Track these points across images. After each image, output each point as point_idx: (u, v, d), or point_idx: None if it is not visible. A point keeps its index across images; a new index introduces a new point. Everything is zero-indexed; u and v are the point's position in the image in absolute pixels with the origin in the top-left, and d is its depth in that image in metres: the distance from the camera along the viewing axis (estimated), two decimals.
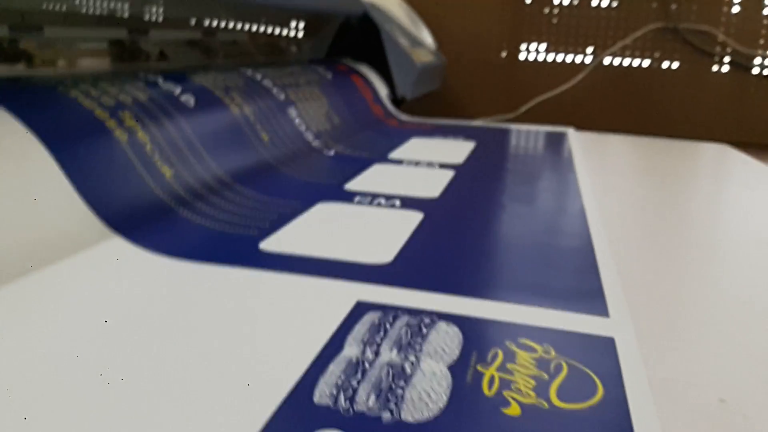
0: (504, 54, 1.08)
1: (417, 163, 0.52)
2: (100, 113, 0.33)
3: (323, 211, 0.37)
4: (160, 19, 0.56)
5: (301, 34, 0.85)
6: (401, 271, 0.28)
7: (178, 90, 0.41)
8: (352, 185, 0.43)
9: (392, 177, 0.46)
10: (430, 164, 0.52)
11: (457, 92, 1.13)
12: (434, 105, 1.10)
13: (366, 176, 0.46)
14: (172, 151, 0.36)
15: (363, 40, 0.87)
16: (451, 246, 0.32)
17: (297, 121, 0.53)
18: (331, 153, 0.53)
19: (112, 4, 0.48)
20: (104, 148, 0.31)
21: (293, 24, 0.81)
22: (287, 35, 0.81)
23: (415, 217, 0.36)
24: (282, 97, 0.53)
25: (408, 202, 0.40)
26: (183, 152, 0.37)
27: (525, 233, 0.35)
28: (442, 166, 0.51)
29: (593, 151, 0.67)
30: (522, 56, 1.07)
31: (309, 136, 0.53)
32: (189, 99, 0.41)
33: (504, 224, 0.36)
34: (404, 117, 0.81)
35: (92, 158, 0.30)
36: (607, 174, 0.56)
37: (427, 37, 1.06)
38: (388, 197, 0.41)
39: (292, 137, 0.51)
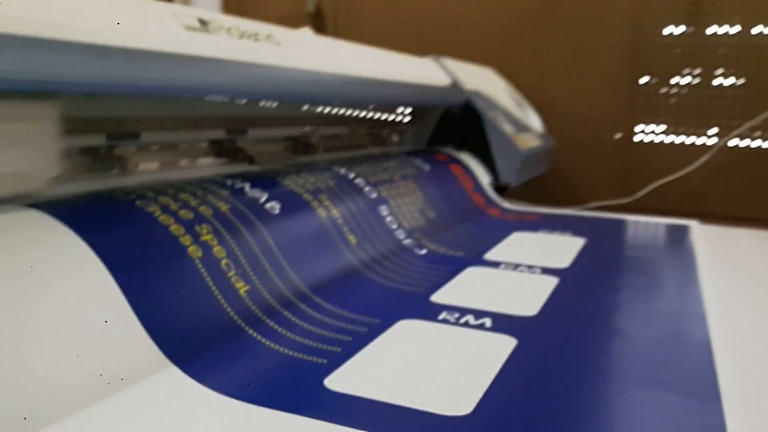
0: (618, 135, 1.02)
1: (516, 267, 0.48)
2: (176, 229, 0.32)
3: (402, 333, 0.33)
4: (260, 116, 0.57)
5: (405, 119, 0.84)
6: (480, 429, 0.24)
7: (264, 197, 0.40)
8: (439, 296, 0.40)
9: (486, 286, 0.43)
10: (531, 268, 0.47)
11: (568, 175, 1.07)
12: (542, 188, 1.05)
13: (457, 284, 0.43)
14: (250, 264, 0.34)
15: (466, 127, 0.85)
16: (547, 389, 0.27)
17: (388, 219, 0.51)
18: (423, 252, 0.50)
19: (210, 107, 0.48)
20: (174, 267, 0.30)
21: (396, 112, 0.80)
22: (390, 123, 0.81)
23: (506, 345, 0.32)
24: (374, 195, 0.51)
25: (500, 322, 0.35)
26: (261, 264, 0.35)
27: (638, 364, 0.29)
28: (546, 270, 0.47)
29: (719, 249, 0.59)
30: (638, 138, 1.00)
31: (400, 235, 0.51)
32: (274, 206, 0.40)
33: (615, 355, 0.31)
34: (507, 204, 0.77)
35: (159, 280, 0.29)
36: (735, 277, 0.49)
37: (534, 121, 1.03)
38: (479, 314, 0.37)
39: (382, 237, 0.48)
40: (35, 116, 0.29)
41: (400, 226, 0.52)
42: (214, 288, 0.31)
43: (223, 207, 0.36)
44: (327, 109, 0.65)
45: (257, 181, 0.42)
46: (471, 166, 0.79)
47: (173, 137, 0.47)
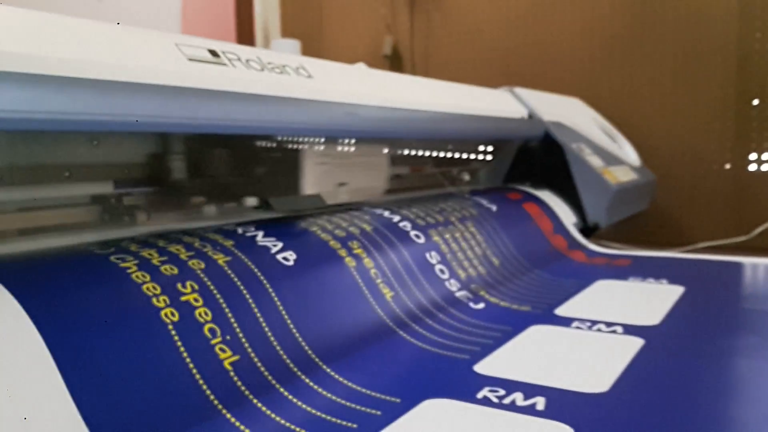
0: (728, 166, 0.90)
1: (592, 325, 0.39)
2: (150, 287, 0.27)
3: (425, 419, 0.26)
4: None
5: (477, 156, 0.77)
6: None
7: (276, 247, 0.35)
8: (485, 365, 0.32)
9: (547, 351, 0.34)
10: (610, 326, 0.39)
11: (671, 213, 0.96)
12: (642, 229, 0.94)
13: (511, 348, 0.35)
14: (242, 328, 0.29)
15: (546, 162, 0.76)
16: None
17: (438, 267, 0.44)
18: (479, 306, 0.42)
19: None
20: (140, 334, 0.25)
21: (466, 149, 0.74)
22: (459, 161, 0.74)
23: None
24: (421, 240, 0.45)
25: (557, 404, 0.27)
26: (258, 327, 0.29)
27: None
28: (628, 329, 0.38)
29: None
30: (752, 167, 0.88)
31: (453, 286, 0.44)
32: (288, 256, 0.34)
33: None
34: (595, 247, 0.68)
35: (116, 353, 0.24)
36: None
37: (629, 153, 0.93)
38: (530, 390, 0.29)
39: (428, 289, 0.41)
40: None
41: (453, 275, 0.45)
42: (188, 359, 0.26)
43: (221, 260, 0.31)
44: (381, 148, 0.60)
45: (272, 227, 0.37)
46: (552, 204, 0.70)
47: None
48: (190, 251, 0.31)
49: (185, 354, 0.26)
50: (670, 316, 0.41)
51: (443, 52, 1.18)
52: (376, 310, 0.36)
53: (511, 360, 0.33)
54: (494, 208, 0.58)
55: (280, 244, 0.35)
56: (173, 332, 0.26)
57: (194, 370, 0.25)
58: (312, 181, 0.47)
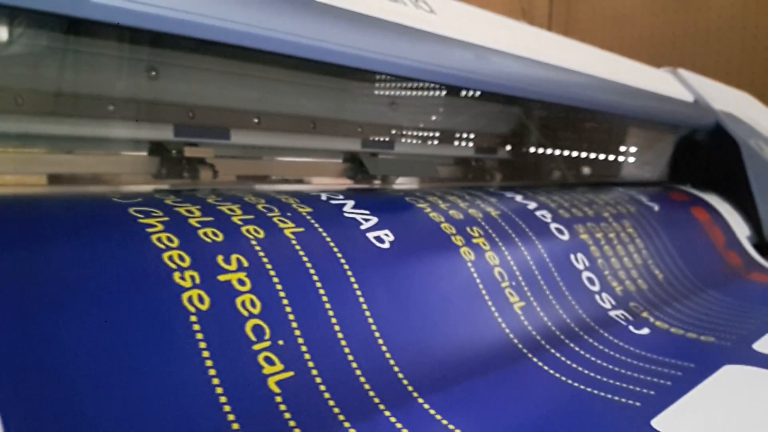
0: None
1: None
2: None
3: None
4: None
5: (626, 148, 0.64)
6: None
7: (369, 222, 0.25)
8: (668, 421, 0.21)
9: (757, 403, 0.23)
10: None
11: None
12: None
13: (702, 394, 0.23)
14: (310, 342, 0.20)
15: (714, 160, 0.62)
16: None
17: (587, 275, 0.33)
18: (643, 332, 0.31)
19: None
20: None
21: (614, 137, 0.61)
22: (605, 148, 0.62)
23: None
24: (565, 236, 0.34)
25: None
26: (325, 341, 0.20)
27: None
28: None
29: None
30: None
31: (605, 301, 0.32)
32: (384, 236, 0.25)
33: None
34: None
35: None
36: None
37: None
38: None
39: (573, 302, 0.30)
40: None
41: (605, 287, 0.33)
42: (213, 372, 0.17)
43: (289, 230, 0.22)
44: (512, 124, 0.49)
45: (366, 198, 0.27)
46: (722, 211, 0.56)
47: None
48: (249, 214, 0.22)
49: (209, 363, 0.17)
50: None
51: (584, 40, 1.05)
52: (499, 324, 0.26)
53: (705, 415, 0.22)
54: (656, 207, 0.46)
55: (374, 219, 0.25)
56: (196, 328, 0.17)
57: (222, 396, 0.16)
58: None
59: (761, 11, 0.84)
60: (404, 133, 0.41)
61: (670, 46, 0.93)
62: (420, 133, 0.43)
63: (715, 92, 0.65)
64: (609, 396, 0.23)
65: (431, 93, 0.41)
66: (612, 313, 0.32)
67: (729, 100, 0.66)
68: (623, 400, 0.23)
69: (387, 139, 0.40)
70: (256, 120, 0.32)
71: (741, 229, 0.57)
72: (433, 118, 0.43)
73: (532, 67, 0.38)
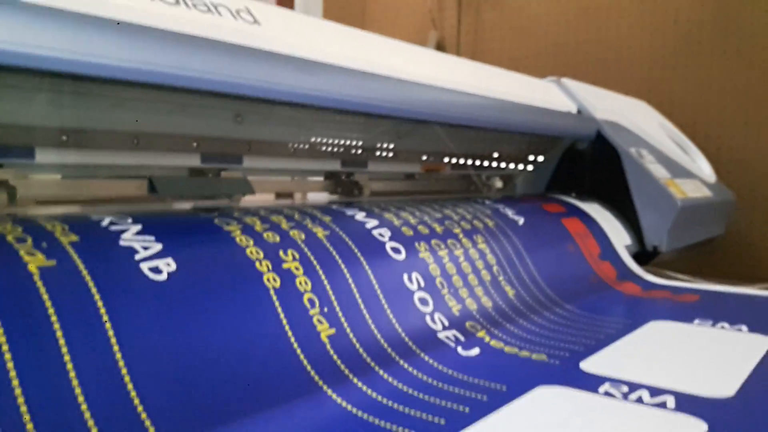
0: None
1: (628, 392, 0.26)
2: None
3: None
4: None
5: (512, 163, 0.64)
6: None
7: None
8: None
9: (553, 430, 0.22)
10: (657, 396, 0.26)
11: (751, 240, 0.80)
12: (714, 258, 0.78)
13: (506, 418, 0.23)
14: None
15: (598, 170, 0.63)
16: None
17: (418, 296, 0.32)
18: (472, 353, 0.30)
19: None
20: None
21: (498, 150, 0.61)
22: (490, 165, 0.62)
23: None
24: (400, 255, 0.33)
25: None
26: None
27: None
28: (685, 403, 0.25)
29: None
30: None
31: (435, 322, 0.31)
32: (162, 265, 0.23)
33: None
34: (653, 278, 0.54)
35: None
36: None
37: (703, 167, 0.77)
38: None
39: (396, 325, 0.29)
40: None
41: (439, 307, 0.32)
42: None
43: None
44: (384, 142, 0.48)
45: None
46: (601, 221, 0.57)
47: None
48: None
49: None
50: (750, 385, 0.27)
51: (492, 48, 1.06)
52: (295, 353, 0.24)
53: None
54: (521, 220, 0.46)
55: (156, 247, 0.23)
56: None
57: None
58: None
59: (668, 22, 0.86)
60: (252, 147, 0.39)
61: (577, 55, 0.95)
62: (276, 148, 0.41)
63: (599, 100, 0.66)
64: (394, 428, 0.22)
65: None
66: (441, 335, 0.31)
67: (614, 108, 0.68)
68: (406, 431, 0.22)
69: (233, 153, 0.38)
70: (64, 138, 0.30)
71: (621, 238, 0.58)
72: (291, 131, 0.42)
73: (399, 86, 0.37)
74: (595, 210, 0.59)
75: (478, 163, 0.60)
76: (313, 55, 0.32)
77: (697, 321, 0.39)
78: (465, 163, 0.59)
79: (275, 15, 0.33)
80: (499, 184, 0.65)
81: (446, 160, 0.56)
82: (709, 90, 0.84)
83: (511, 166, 0.64)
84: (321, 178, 0.48)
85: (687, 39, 0.85)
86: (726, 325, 0.38)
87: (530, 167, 0.66)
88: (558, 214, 0.52)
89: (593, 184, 0.63)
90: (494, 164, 0.62)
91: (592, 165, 0.63)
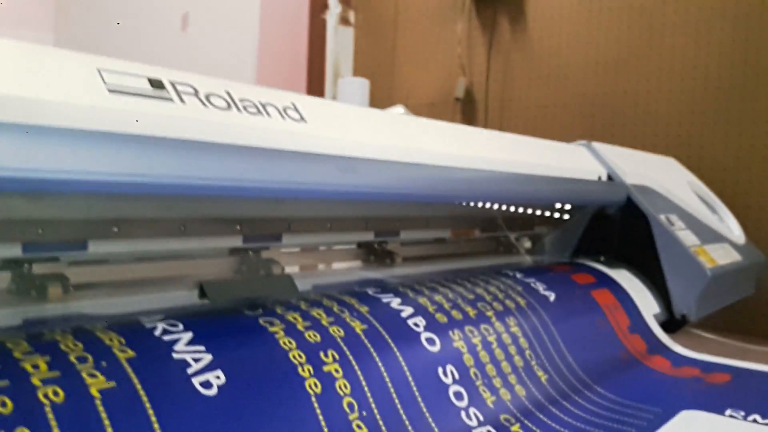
0: None
1: None
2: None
3: None
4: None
5: (540, 222, 0.65)
6: None
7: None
8: None
9: None
10: None
11: None
12: (744, 315, 0.77)
13: None
14: None
15: (627, 234, 0.63)
16: None
17: (453, 390, 0.32)
18: None
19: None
20: None
21: (524, 211, 0.62)
22: (519, 223, 0.62)
23: None
24: (435, 346, 0.33)
25: None
26: None
27: None
28: None
29: None
30: None
31: (471, 418, 0.32)
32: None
33: None
34: (681, 350, 0.53)
35: None
36: None
37: (732, 227, 0.77)
38: None
39: (433, 424, 0.30)
40: None
41: (474, 400, 0.33)
42: None
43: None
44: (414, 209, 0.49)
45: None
46: (630, 291, 0.57)
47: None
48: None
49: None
50: None
51: (521, 96, 1.07)
52: None
53: None
54: (552, 296, 0.46)
55: (206, 358, 0.24)
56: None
57: None
58: None
59: (699, 78, 0.87)
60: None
61: (606, 107, 0.95)
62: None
63: (629, 164, 0.66)
64: None
65: None
66: (476, 431, 0.31)
67: (644, 171, 0.68)
68: None
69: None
70: (115, 229, 0.31)
71: (650, 307, 0.58)
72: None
73: (434, 173, 0.38)
74: (624, 278, 0.59)
75: (507, 225, 0.60)
76: (353, 150, 0.33)
77: (728, 412, 0.39)
78: (494, 226, 0.60)
79: (318, 109, 0.34)
80: (528, 244, 0.66)
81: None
82: (738, 147, 0.84)
83: (541, 227, 0.65)
84: (354, 246, 0.50)
85: (718, 94, 0.85)
86: (758, 418, 0.38)
87: (560, 227, 0.67)
88: (588, 286, 0.52)
89: (622, 248, 0.63)
90: (523, 227, 0.62)
91: (621, 229, 0.63)
